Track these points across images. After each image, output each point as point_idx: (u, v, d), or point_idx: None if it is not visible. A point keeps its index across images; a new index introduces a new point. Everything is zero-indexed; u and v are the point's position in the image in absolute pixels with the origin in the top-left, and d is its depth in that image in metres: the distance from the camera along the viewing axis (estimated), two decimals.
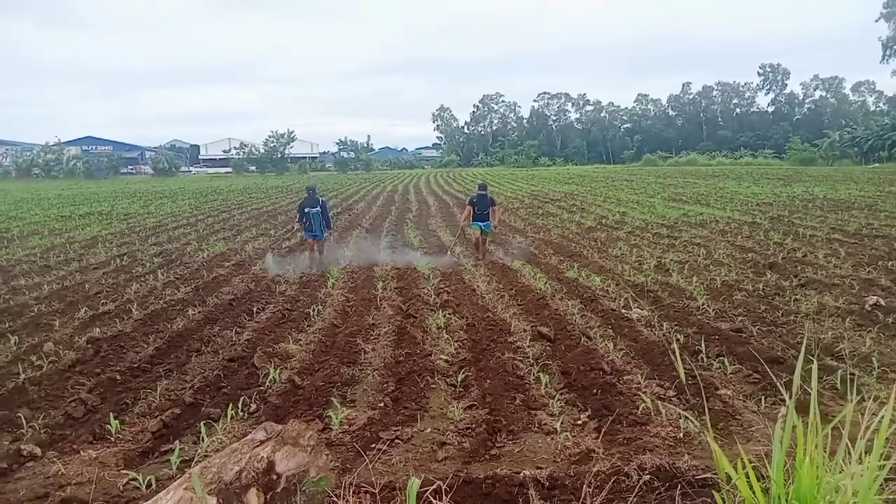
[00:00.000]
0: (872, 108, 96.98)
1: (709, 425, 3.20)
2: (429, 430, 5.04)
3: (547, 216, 21.06)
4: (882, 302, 8.01)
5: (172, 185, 53.57)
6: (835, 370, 5.63)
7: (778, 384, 3.14)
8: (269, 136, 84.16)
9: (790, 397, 2.80)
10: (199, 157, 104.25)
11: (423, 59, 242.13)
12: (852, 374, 5.68)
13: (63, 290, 10.45)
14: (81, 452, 4.70)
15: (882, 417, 2.68)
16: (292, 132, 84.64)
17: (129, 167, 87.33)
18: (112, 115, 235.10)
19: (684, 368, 3.21)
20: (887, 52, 64.19)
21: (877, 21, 64.29)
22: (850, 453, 2.74)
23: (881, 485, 2.80)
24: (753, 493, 2.72)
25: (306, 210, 12.49)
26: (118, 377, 6.24)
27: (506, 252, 13.72)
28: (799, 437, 2.73)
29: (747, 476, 2.71)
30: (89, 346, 7.25)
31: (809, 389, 2.84)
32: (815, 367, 2.98)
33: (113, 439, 5.02)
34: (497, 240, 15.28)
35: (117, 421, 5.19)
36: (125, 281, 11.20)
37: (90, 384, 6.10)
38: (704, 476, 3.75)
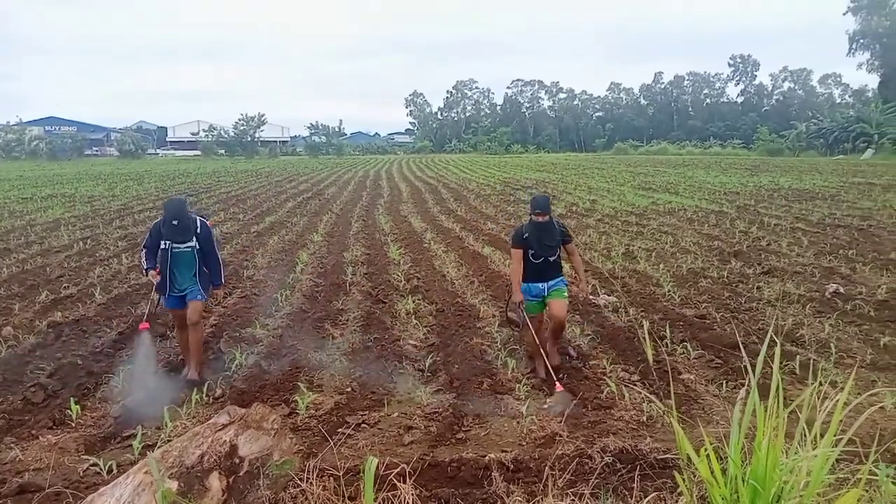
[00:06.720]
0: (838, 100, 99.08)
1: (674, 408, 3.24)
2: (396, 414, 5.05)
3: (518, 203, 21.12)
4: (841, 290, 8.23)
5: (139, 167, 52.45)
6: (794, 355, 5.75)
7: (744, 367, 3.20)
8: (239, 119, 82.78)
9: (754, 380, 2.85)
10: (167, 140, 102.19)
11: (395, 42, 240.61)
12: (811, 359, 5.83)
13: (23, 274, 10.19)
14: (40, 438, 4.60)
15: (837, 401, 2.74)
16: (263, 115, 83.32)
17: (94, 148, 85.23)
18: (76, 95, 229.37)
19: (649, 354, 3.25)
20: (853, 46, 65.28)
21: (844, 14, 65.30)
22: (806, 435, 2.81)
23: (833, 465, 2.88)
24: (713, 473, 2.78)
25: (163, 247, 5.71)
26: (80, 362, 6.11)
27: (476, 238, 13.62)
28: (759, 420, 2.79)
29: (708, 457, 2.76)
30: (50, 330, 7.09)
31: (771, 373, 2.89)
32: (777, 351, 3.03)
33: (73, 424, 4.92)
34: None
35: (78, 406, 5.09)
36: (88, 265, 10.96)
37: (50, 369, 5.95)
38: (665, 457, 3.83)
